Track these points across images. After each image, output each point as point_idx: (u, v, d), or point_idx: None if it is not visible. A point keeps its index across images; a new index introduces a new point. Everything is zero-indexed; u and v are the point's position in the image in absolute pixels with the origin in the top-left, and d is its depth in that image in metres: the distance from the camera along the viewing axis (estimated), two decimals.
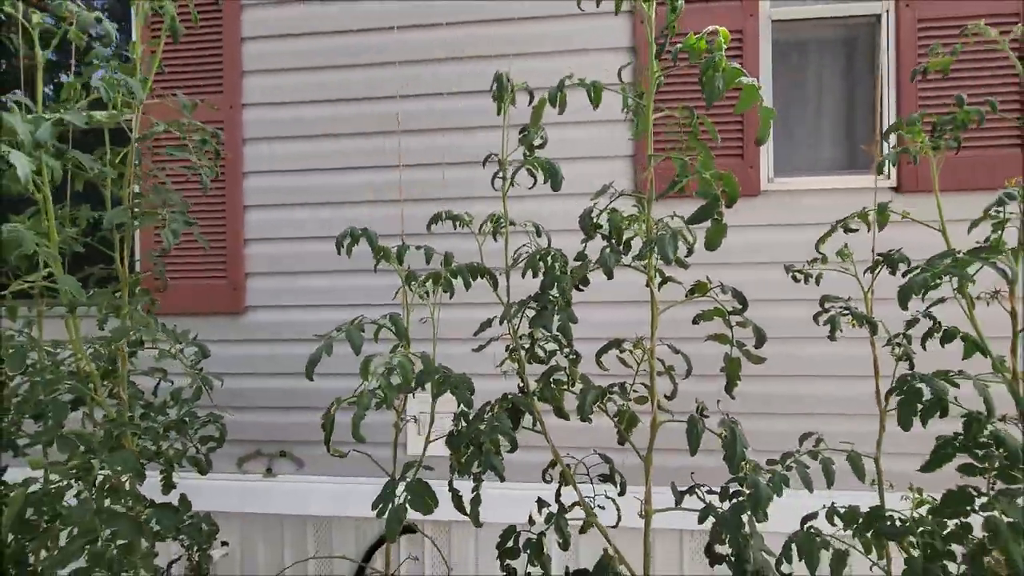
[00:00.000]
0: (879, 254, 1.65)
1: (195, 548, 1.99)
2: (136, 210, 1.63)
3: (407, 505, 1.24)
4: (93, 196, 1.75)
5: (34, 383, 1.63)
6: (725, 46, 1.18)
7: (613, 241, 1.45)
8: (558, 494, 1.52)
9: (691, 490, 1.39)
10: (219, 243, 2.71)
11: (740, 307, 1.29)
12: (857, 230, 1.67)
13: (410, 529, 2.71)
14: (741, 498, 1.18)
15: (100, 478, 1.60)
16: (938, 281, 1.35)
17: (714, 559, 1.37)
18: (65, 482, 1.55)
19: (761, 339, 1.32)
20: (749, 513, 1.18)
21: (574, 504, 1.51)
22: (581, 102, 1.49)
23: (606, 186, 1.38)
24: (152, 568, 1.55)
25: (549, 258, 1.36)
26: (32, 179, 1.45)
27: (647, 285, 1.46)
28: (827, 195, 2.48)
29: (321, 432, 1.34)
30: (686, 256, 1.43)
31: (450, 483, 1.41)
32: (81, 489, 1.50)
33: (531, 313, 1.38)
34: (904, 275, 1.45)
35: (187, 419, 1.95)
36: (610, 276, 1.23)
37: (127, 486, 1.64)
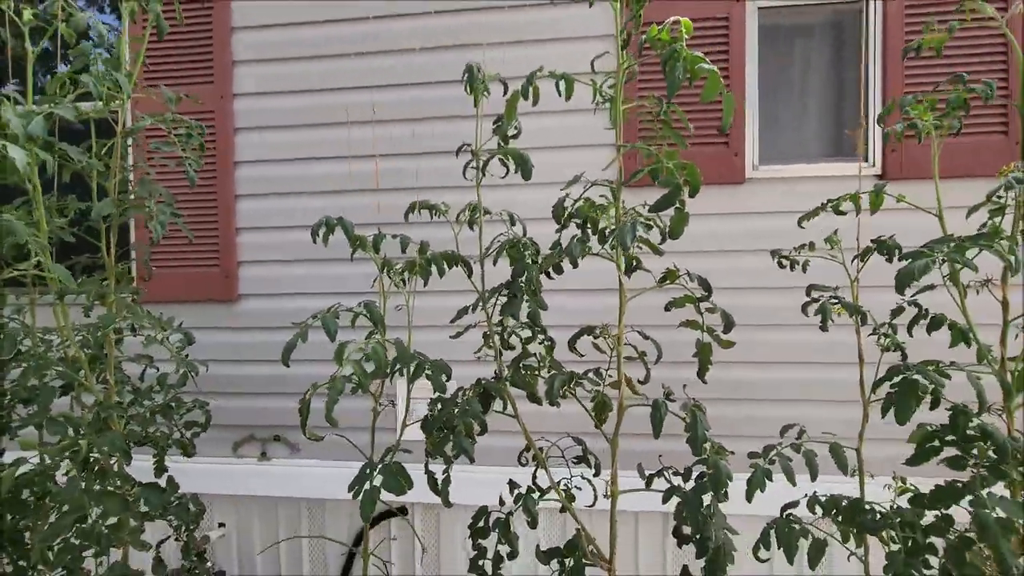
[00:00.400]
0: (871, 240, 1.65)
1: (183, 528, 2.05)
2: (123, 202, 1.66)
3: (381, 487, 1.29)
4: (79, 187, 1.79)
5: (26, 368, 1.68)
6: (687, 37, 1.19)
7: (588, 230, 1.48)
8: (534, 477, 1.57)
9: (660, 472, 1.43)
10: (211, 232, 2.75)
11: (706, 294, 1.32)
12: (846, 213, 1.66)
13: (398, 511, 2.77)
14: (704, 479, 1.22)
15: (91, 460, 1.66)
16: (932, 267, 1.32)
17: (681, 539, 1.42)
18: (54, 462, 1.61)
19: (729, 325, 1.35)
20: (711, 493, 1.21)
21: (550, 487, 1.56)
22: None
23: (577, 176, 1.41)
24: (140, 544, 1.61)
25: (520, 247, 1.39)
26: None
27: (625, 273, 1.49)
28: (813, 182, 2.48)
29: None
30: (660, 243, 1.46)
31: (426, 465, 1.46)
32: (69, 468, 1.55)
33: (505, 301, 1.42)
34: (898, 261, 1.42)
35: (173, 404, 2.00)
36: (575, 265, 1.26)
37: (116, 467, 1.69)
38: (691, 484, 1.28)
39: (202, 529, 2.88)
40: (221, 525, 2.93)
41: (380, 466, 1.31)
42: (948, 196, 1.56)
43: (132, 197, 1.65)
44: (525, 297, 1.29)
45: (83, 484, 1.55)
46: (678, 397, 1.34)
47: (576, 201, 1.42)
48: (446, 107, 2.64)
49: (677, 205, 1.22)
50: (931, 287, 1.51)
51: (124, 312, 1.69)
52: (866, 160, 2.44)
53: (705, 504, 1.21)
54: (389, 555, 2.81)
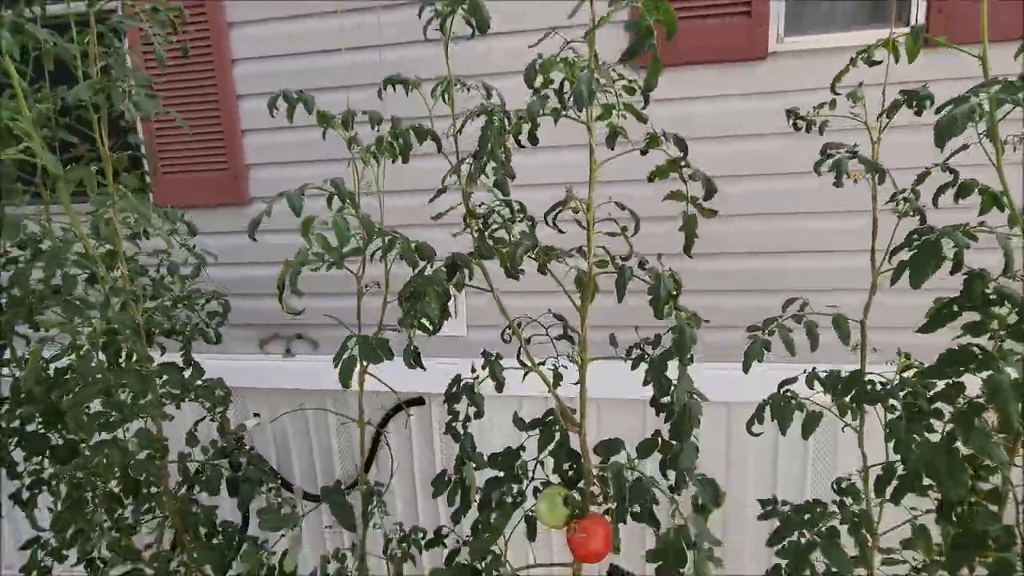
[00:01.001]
0: (900, 92, 1.50)
1: (215, 410, 2.22)
2: (103, 87, 1.66)
3: (358, 356, 1.33)
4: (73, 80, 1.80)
5: (48, 262, 1.79)
6: None
7: (566, 96, 1.39)
8: (518, 354, 1.59)
9: (638, 346, 1.42)
10: (216, 133, 2.76)
11: (681, 154, 1.24)
12: (881, 61, 1.53)
13: (419, 401, 2.93)
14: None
15: (111, 340, 1.79)
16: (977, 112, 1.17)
17: (659, 409, 1.43)
18: (80, 341, 1.74)
19: (710, 191, 1.27)
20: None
21: (540, 363, 1.58)
22: None
23: (550, 30, 1.30)
24: (160, 414, 1.76)
25: (491, 112, 1.32)
26: None
27: (605, 140, 1.41)
28: (844, 54, 2.21)
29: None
30: (642, 108, 1.36)
31: (409, 339, 1.50)
32: (88, 348, 1.68)
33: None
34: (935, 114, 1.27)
35: (192, 295, 2.11)
36: (534, 124, 1.19)
37: (133, 347, 1.82)
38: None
39: (238, 418, 3.15)
40: (256, 415, 3.17)
41: (358, 337, 1.35)
42: (997, 64, 1.37)
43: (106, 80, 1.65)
44: (492, 164, 1.24)
45: (94, 359, 1.69)
46: (653, 268, 1.30)
47: (549, 63, 1.32)
48: None
49: (651, 50, 1.12)
50: (965, 147, 1.37)
51: (123, 203, 1.73)
52: (906, 23, 2.17)
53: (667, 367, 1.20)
54: (409, 442, 3.01)
